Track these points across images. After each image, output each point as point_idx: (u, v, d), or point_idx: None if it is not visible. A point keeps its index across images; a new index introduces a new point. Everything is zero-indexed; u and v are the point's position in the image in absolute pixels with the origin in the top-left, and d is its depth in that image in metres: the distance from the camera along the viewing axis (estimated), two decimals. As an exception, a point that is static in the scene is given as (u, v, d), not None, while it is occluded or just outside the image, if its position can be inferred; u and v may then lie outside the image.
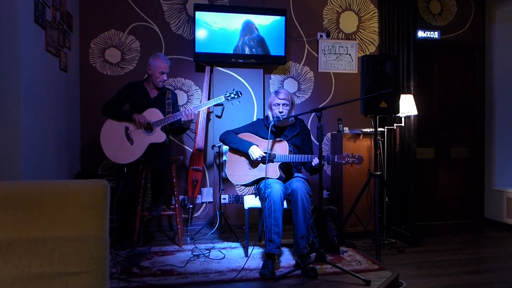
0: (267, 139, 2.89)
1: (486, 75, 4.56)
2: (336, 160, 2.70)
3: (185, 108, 3.71)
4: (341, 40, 4.34)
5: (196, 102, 4.03)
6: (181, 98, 3.97)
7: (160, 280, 2.44)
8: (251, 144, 2.91)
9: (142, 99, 3.22)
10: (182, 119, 3.12)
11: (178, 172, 3.93)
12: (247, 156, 2.95)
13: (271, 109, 2.95)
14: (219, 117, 3.83)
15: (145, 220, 3.88)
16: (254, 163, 2.95)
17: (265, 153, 2.85)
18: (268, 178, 2.81)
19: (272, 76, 4.21)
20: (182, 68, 3.91)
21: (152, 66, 3.25)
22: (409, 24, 3.91)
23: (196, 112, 3.19)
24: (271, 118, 2.91)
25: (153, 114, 3.14)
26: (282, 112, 2.86)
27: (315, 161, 2.70)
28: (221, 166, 3.72)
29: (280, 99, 2.87)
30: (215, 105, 3.74)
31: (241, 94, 3.28)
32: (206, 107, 3.42)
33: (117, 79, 3.88)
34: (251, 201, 3.04)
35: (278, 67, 4.22)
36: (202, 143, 3.91)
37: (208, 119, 4.02)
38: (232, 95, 3.26)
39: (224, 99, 3.25)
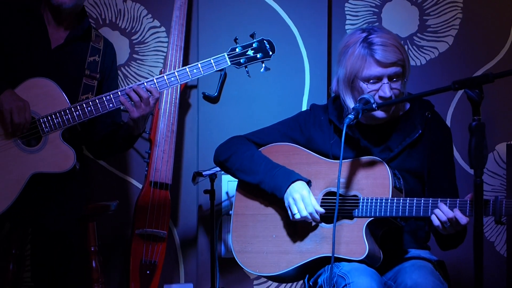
0: (336, 158, 2.44)
1: None
2: (523, 215, 2.40)
3: (133, 81, 3.40)
4: None
5: (155, 63, 3.54)
6: (118, 50, 3.36)
7: None
8: (293, 175, 2.47)
9: (27, 48, 2.76)
10: (130, 113, 2.67)
11: (103, 241, 3.38)
12: (281, 206, 2.50)
13: (353, 87, 2.51)
14: (213, 100, 3.38)
15: None
16: (301, 223, 2.51)
17: (327, 195, 2.46)
18: (339, 258, 2.38)
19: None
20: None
21: None
22: None
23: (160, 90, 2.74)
24: (350, 109, 2.42)
25: (46, 96, 2.69)
26: (388, 95, 2.40)
27: (441, 213, 2.20)
28: (219, 227, 3.43)
29: (384, 62, 2.39)
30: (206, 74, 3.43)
31: (274, 51, 2.79)
32: (180, 83, 2.87)
33: None
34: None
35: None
36: (168, 169, 3.40)
37: (182, 107, 3.55)
38: (250, 52, 2.79)
39: (229, 62, 2.78)
